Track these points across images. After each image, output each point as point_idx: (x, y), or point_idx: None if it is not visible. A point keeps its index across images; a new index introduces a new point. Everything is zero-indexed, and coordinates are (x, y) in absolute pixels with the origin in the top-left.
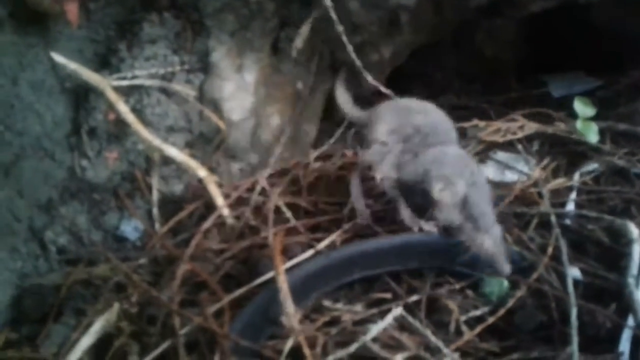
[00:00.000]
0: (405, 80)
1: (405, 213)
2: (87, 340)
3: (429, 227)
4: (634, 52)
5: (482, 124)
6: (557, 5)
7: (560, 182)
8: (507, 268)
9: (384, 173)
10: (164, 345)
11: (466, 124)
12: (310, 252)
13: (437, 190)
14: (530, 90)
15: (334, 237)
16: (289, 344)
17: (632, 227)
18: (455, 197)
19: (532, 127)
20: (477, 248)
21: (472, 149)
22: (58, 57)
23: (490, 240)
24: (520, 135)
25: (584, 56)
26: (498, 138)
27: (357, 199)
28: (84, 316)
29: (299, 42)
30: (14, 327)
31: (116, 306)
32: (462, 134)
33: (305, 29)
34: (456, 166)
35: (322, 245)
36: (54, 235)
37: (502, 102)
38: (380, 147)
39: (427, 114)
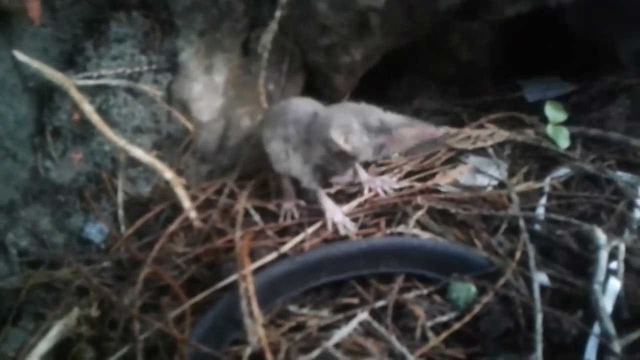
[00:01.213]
0: (380, 83)
1: (328, 204)
2: (44, 346)
3: (351, 225)
4: (608, 58)
5: (453, 130)
6: (532, 9)
7: (529, 185)
8: (433, 129)
9: (298, 173)
10: (123, 351)
11: None
12: (275, 256)
13: (344, 143)
14: (505, 95)
15: (298, 239)
16: (248, 350)
17: (599, 233)
18: (358, 133)
19: (502, 134)
20: (403, 143)
21: (442, 155)
22: (20, 56)
23: (405, 128)
24: (490, 142)
25: (560, 61)
26: (468, 145)
27: (288, 196)
28: (43, 320)
29: (265, 39)
30: None
31: (75, 311)
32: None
33: (272, 26)
34: (335, 114)
35: (286, 247)
36: (15, 238)
37: (477, 105)
38: (279, 155)
39: (286, 106)
